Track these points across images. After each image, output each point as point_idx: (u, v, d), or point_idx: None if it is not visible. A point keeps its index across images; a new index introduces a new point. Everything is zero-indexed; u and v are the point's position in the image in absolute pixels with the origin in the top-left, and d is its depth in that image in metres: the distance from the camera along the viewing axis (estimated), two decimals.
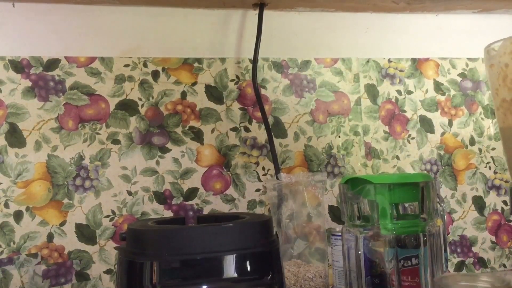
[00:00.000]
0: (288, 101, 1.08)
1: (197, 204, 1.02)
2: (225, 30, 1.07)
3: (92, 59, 0.99)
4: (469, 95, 1.16)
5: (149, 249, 0.61)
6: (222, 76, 1.05)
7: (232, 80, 1.05)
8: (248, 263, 0.61)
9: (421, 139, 1.13)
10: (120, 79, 1.00)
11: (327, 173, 1.07)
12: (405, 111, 1.13)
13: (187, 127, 1.02)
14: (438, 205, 0.80)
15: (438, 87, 1.15)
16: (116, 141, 0.99)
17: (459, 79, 1.16)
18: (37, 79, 0.97)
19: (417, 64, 1.15)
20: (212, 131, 1.03)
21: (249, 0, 1.03)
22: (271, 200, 0.96)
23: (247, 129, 1.05)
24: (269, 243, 0.64)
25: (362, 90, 1.11)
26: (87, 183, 0.97)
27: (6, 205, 0.93)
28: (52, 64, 0.98)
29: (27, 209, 0.94)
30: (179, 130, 1.02)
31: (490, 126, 1.17)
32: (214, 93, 1.04)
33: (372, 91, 1.12)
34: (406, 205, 0.70)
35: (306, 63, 1.09)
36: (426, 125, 1.14)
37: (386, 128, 1.12)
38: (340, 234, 0.83)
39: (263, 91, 1.06)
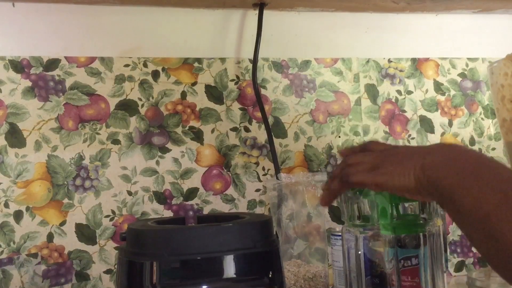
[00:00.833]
0: (288, 101, 1.08)
1: (197, 204, 1.02)
2: (225, 30, 1.07)
3: (92, 59, 0.99)
4: (469, 95, 1.16)
5: (149, 249, 0.61)
6: (222, 76, 1.05)
7: (232, 80, 1.05)
8: (248, 263, 0.61)
9: (421, 139, 1.13)
10: (120, 79, 1.00)
11: (327, 173, 1.07)
12: (405, 111, 1.13)
13: (187, 127, 1.02)
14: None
15: (438, 87, 1.15)
16: (116, 141, 0.99)
17: (459, 79, 1.16)
18: (37, 79, 0.97)
19: (417, 64, 1.15)
20: (212, 131, 1.03)
21: (249, 0, 1.03)
22: (271, 200, 0.96)
23: (247, 129, 1.05)
24: (269, 243, 0.64)
25: (362, 90, 1.11)
26: (87, 183, 0.97)
27: (6, 205, 0.93)
28: (52, 64, 0.98)
29: (27, 209, 0.94)
30: (179, 130, 1.02)
31: (490, 126, 1.16)
32: (214, 93, 1.04)
33: (372, 91, 1.12)
34: (406, 205, 0.69)
35: (306, 63, 1.09)
36: (426, 125, 1.14)
37: (386, 128, 1.12)
38: (340, 234, 0.83)
39: (263, 91, 1.06)
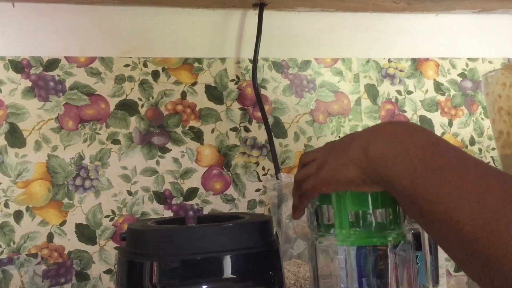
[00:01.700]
0: (288, 101, 1.08)
1: (197, 204, 1.02)
2: (225, 30, 1.07)
3: (92, 59, 0.99)
4: (469, 95, 1.16)
5: (149, 249, 0.61)
6: (222, 76, 1.05)
7: (232, 80, 1.05)
8: (248, 263, 0.61)
9: None
10: (120, 79, 1.00)
11: None
12: (405, 111, 1.13)
13: (187, 127, 1.02)
14: None
15: (438, 87, 1.15)
16: (116, 141, 0.99)
17: (459, 79, 1.16)
18: (37, 79, 0.97)
19: (417, 64, 1.15)
20: (212, 131, 1.03)
21: (249, 0, 1.03)
22: (271, 200, 0.96)
23: (247, 129, 1.05)
24: (269, 243, 0.64)
25: (362, 90, 1.11)
26: (87, 183, 0.97)
27: (6, 205, 0.93)
28: (52, 64, 0.98)
29: (27, 209, 0.94)
30: (179, 130, 1.02)
31: (490, 126, 1.16)
32: (214, 93, 1.04)
33: (372, 91, 1.12)
34: (378, 212, 0.59)
35: (306, 63, 1.09)
36: (426, 125, 1.14)
37: None
38: None
39: (263, 91, 1.06)
